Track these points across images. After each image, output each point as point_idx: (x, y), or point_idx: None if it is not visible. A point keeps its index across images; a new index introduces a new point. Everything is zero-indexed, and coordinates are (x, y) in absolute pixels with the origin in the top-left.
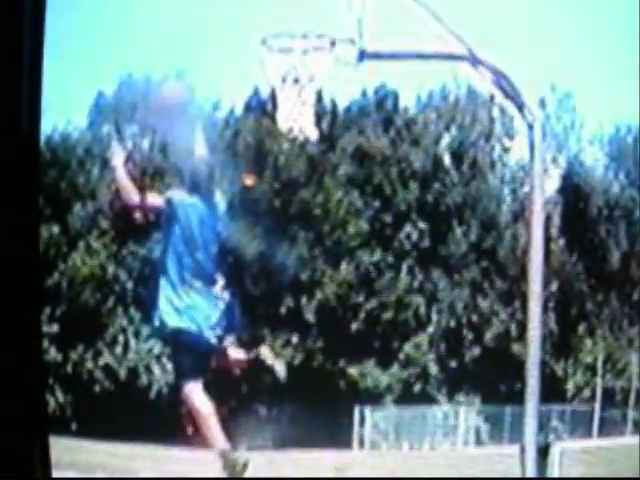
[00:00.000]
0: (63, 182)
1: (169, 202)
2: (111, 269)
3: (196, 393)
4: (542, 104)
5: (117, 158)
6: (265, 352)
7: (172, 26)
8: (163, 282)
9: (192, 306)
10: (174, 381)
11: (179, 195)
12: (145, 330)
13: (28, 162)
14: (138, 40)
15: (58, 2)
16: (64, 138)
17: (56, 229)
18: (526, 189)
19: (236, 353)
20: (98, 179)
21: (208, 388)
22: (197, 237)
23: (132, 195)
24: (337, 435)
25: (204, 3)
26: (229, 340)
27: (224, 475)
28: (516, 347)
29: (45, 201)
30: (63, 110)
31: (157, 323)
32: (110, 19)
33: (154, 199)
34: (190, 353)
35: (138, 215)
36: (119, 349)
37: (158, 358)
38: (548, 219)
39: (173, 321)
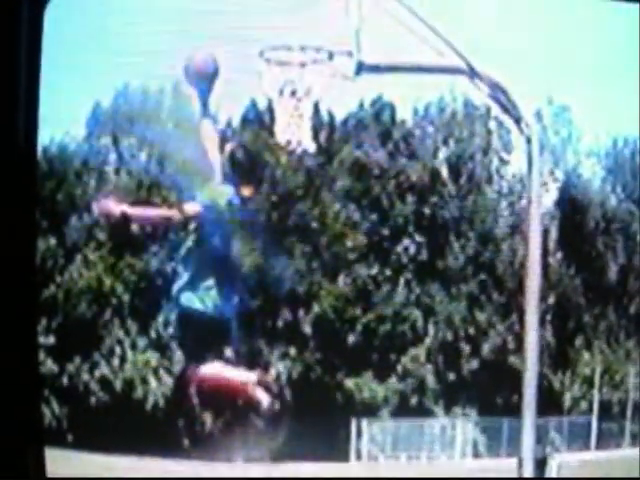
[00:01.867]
0: (60, 194)
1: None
2: (108, 281)
3: (222, 368)
4: (539, 117)
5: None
6: (250, 380)
7: (169, 38)
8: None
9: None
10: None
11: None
12: (142, 342)
13: (25, 174)
14: (135, 52)
15: (55, 14)
16: (61, 149)
17: (53, 241)
18: (524, 202)
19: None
20: (95, 191)
21: (205, 401)
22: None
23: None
24: (334, 447)
25: (202, 15)
26: (227, 354)
27: None
28: (513, 360)
29: (42, 213)
30: (60, 121)
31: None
32: (107, 31)
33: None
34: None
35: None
36: (116, 361)
37: (155, 370)
38: (545, 232)
39: (190, 302)
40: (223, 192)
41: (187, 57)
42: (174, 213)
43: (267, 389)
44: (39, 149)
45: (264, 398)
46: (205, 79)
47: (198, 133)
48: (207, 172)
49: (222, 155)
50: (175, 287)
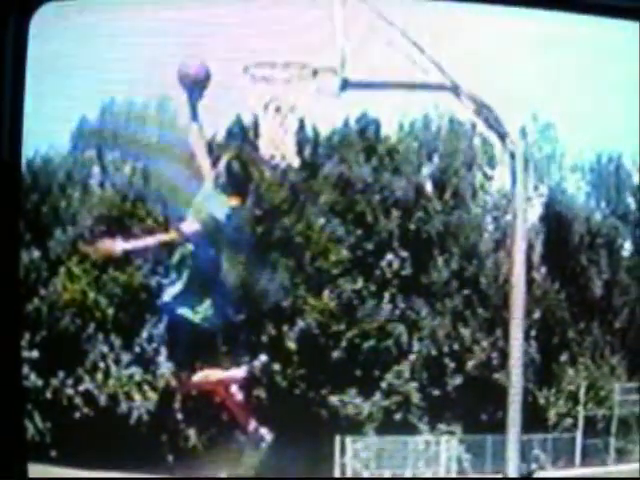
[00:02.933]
0: (44, 207)
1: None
2: (92, 295)
3: (220, 372)
4: (523, 133)
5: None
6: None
7: (155, 53)
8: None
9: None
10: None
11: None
12: (126, 357)
13: (10, 187)
14: (121, 66)
15: (41, 28)
16: (45, 162)
17: (37, 254)
18: (508, 217)
19: (218, 373)
20: (79, 204)
21: (189, 417)
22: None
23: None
24: (318, 464)
25: (187, 31)
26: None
27: None
28: (498, 376)
29: (26, 226)
30: (45, 135)
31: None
32: (94, 46)
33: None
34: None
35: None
36: (99, 376)
37: (139, 385)
38: (530, 247)
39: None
40: (213, 204)
41: (181, 63)
42: (173, 235)
43: (253, 381)
44: (23, 162)
45: (265, 431)
46: (197, 85)
47: (187, 138)
48: (192, 184)
49: (216, 164)
50: (166, 296)
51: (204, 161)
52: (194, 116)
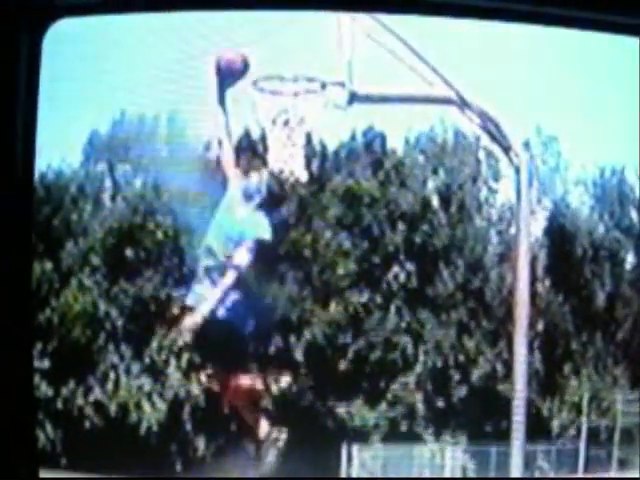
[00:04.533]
0: (56, 219)
1: None
2: (103, 306)
3: (249, 377)
4: (527, 146)
5: None
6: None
7: (165, 66)
8: None
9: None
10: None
11: None
12: (136, 367)
13: (23, 200)
14: (131, 80)
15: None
16: (58, 175)
17: (49, 265)
18: (512, 230)
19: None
20: (90, 217)
21: (198, 427)
22: None
23: None
24: (325, 474)
25: (196, 44)
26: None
27: None
28: (502, 387)
29: (38, 238)
30: (57, 148)
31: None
32: (105, 60)
33: None
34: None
35: None
36: (110, 385)
37: (148, 395)
38: (534, 260)
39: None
40: (254, 224)
41: (218, 55)
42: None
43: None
44: (36, 176)
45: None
46: (233, 75)
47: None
48: (204, 198)
49: (245, 178)
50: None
51: (230, 170)
52: (224, 111)
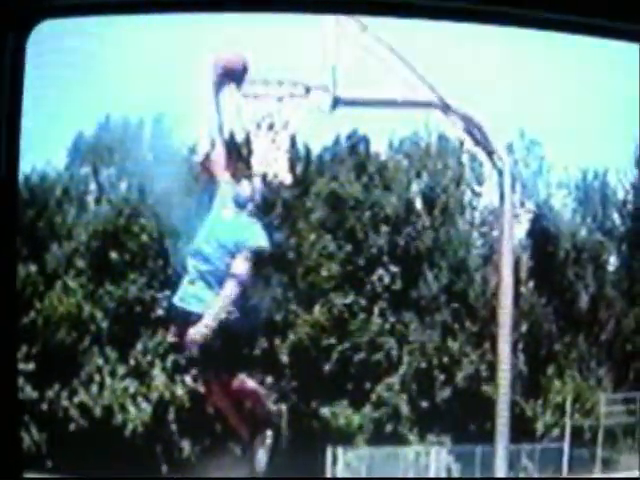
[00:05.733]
0: (41, 222)
1: None
2: (87, 308)
3: (250, 380)
4: (510, 150)
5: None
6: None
7: (150, 72)
8: None
9: None
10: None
11: None
12: (121, 369)
13: (7, 202)
14: (116, 83)
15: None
16: (42, 178)
17: (33, 268)
18: (496, 233)
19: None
20: (75, 219)
21: (183, 429)
22: None
23: None
24: (310, 474)
25: (181, 47)
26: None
27: None
28: (486, 388)
29: (23, 240)
30: (42, 151)
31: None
32: (90, 63)
33: None
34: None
35: None
36: (95, 388)
37: (133, 397)
38: (517, 262)
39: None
40: (251, 232)
41: (216, 57)
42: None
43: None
44: (20, 178)
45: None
46: (232, 76)
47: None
48: (188, 200)
49: (242, 183)
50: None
51: (220, 172)
52: (218, 112)
